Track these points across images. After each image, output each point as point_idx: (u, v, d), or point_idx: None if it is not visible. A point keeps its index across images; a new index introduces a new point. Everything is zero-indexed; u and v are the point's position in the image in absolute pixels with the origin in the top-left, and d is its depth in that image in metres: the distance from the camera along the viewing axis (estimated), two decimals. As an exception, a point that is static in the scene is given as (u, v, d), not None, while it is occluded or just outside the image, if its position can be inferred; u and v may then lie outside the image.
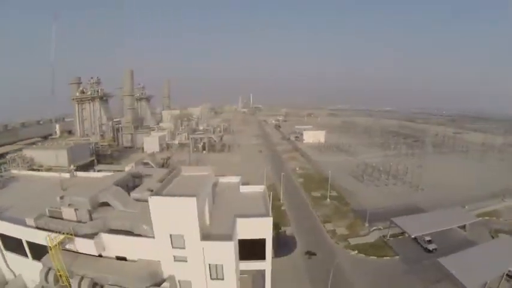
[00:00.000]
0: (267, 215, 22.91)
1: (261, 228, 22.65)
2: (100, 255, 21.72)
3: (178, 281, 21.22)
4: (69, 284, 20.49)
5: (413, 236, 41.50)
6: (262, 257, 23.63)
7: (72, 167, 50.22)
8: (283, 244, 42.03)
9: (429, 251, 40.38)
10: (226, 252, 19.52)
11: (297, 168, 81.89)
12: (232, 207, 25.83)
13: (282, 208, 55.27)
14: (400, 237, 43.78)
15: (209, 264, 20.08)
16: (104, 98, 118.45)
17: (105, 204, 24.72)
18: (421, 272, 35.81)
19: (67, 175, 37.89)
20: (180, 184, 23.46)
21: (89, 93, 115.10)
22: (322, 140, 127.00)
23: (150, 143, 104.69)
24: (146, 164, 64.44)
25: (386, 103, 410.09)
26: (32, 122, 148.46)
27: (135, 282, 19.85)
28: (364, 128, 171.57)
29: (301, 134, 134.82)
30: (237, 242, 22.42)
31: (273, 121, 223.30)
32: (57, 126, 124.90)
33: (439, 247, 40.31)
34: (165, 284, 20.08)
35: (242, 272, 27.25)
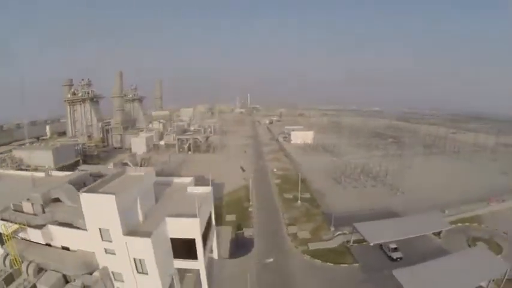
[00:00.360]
0: (195, 216, 24.53)
1: (189, 229, 24.63)
2: (49, 245, 24.82)
3: (112, 272, 23.54)
4: (21, 268, 23.66)
5: (372, 244, 37.94)
6: (195, 256, 25.50)
7: (47, 167, 52.71)
8: (241, 245, 42.06)
9: (393, 260, 37.31)
10: (146, 248, 21.52)
11: (275, 169, 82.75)
12: (175, 206, 27.93)
13: (249, 209, 54.76)
14: (364, 243, 40.18)
15: (134, 258, 22.23)
16: (94, 100, 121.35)
17: (59, 200, 27.61)
18: (380, 282, 32.76)
19: (42, 174, 41.57)
20: (119, 183, 25.86)
21: (80, 94, 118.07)
22: (310, 140, 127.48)
23: (138, 143, 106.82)
24: (125, 164, 66.53)
25: (382, 103, 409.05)
26: (33, 122, 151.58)
27: (71, 269, 22.78)
28: (355, 129, 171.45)
29: (289, 135, 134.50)
30: (167, 240, 24.53)
31: (267, 121, 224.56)
32: (48, 127, 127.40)
33: (407, 256, 37.13)
34: (95, 273, 22.49)
35: (187, 271, 29.28)
